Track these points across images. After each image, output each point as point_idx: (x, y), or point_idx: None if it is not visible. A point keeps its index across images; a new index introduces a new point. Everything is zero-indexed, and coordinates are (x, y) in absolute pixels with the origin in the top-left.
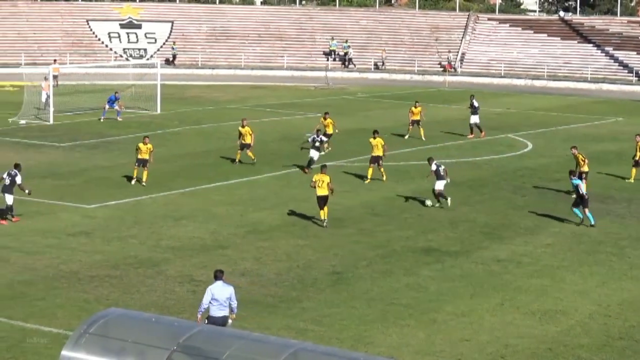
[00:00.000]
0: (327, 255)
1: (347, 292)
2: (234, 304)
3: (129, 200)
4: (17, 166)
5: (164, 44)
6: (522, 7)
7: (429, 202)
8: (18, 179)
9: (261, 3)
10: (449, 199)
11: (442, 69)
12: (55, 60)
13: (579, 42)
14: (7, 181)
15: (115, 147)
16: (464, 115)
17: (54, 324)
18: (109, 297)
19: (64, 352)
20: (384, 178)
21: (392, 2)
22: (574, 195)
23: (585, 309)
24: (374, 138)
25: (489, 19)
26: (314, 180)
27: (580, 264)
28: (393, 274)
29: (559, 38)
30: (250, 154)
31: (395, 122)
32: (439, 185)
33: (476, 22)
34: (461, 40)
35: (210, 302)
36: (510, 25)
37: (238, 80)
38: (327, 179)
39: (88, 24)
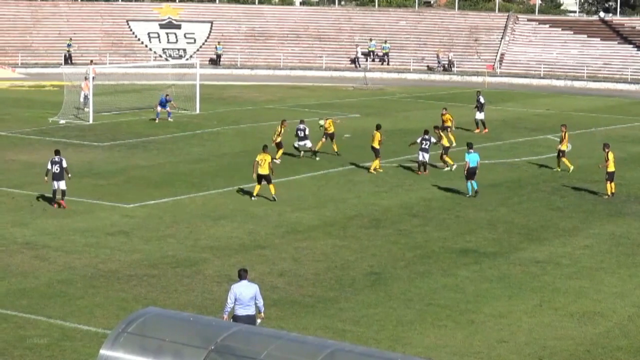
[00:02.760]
0: (365, 255)
1: (384, 292)
2: (260, 302)
3: (168, 200)
4: (58, 152)
5: (203, 44)
6: (562, 7)
7: None
8: (64, 164)
9: (300, 3)
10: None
11: (441, 67)
12: (91, 61)
13: (619, 43)
14: (57, 169)
15: (154, 146)
16: (503, 116)
17: (93, 322)
18: (147, 297)
19: (102, 351)
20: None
21: (432, 2)
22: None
23: (623, 311)
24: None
25: (529, 20)
26: (257, 159)
27: (619, 265)
28: (431, 274)
29: (599, 39)
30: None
31: (434, 123)
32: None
33: (516, 23)
34: (500, 41)
35: (234, 302)
36: (550, 26)
37: (277, 80)
38: (268, 158)
39: (128, 24)
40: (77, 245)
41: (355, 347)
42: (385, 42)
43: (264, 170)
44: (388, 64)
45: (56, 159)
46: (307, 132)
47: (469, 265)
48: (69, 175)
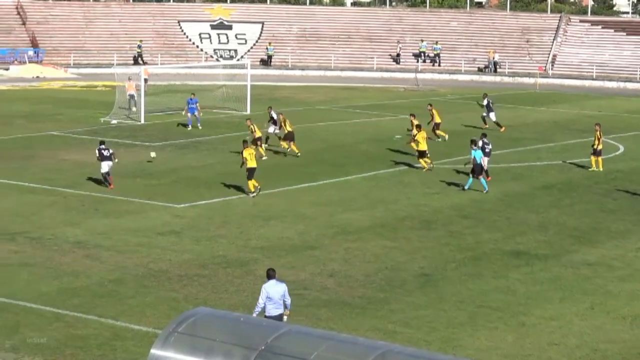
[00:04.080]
0: (415, 257)
1: (435, 294)
2: (288, 300)
3: (218, 200)
4: (103, 142)
5: (254, 44)
6: (614, 8)
7: None
8: (111, 150)
9: (351, 4)
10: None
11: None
12: (144, 62)
13: None
14: (107, 153)
15: (204, 147)
16: (555, 117)
17: (143, 322)
18: (198, 297)
19: (153, 351)
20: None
21: (483, 3)
22: (468, 165)
23: None
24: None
25: (581, 21)
26: (244, 157)
27: None
28: (482, 276)
29: None
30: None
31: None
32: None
33: (568, 24)
34: (552, 42)
35: (265, 301)
36: (602, 27)
37: (328, 81)
38: (253, 151)
39: (179, 24)
40: (129, 244)
41: (405, 348)
42: (437, 43)
43: (253, 163)
44: (439, 65)
45: (102, 147)
46: (275, 119)
47: (520, 267)
48: (116, 160)
